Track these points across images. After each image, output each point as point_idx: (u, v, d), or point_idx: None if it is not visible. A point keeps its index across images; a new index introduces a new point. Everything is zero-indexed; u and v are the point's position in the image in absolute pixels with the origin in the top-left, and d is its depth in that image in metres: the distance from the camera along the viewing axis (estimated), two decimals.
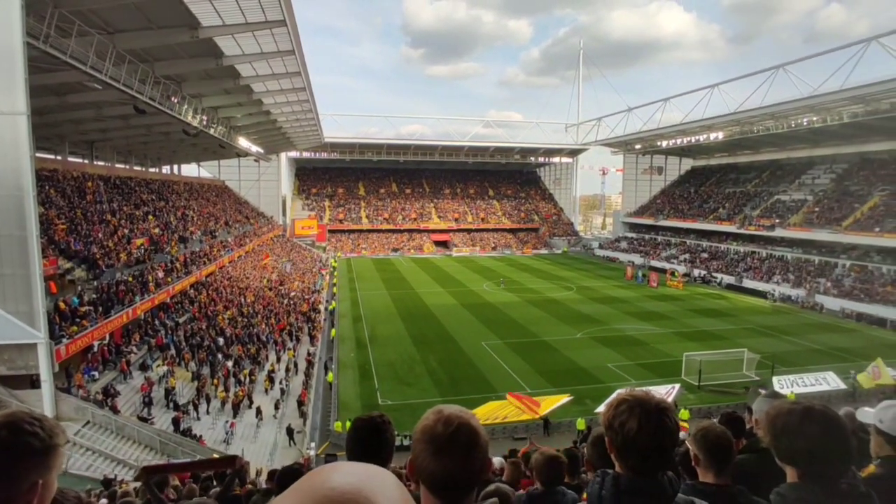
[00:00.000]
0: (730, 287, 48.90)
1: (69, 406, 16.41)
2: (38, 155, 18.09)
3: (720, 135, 58.13)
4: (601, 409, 19.95)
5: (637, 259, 64.03)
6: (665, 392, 22.07)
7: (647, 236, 70.43)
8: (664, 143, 67.65)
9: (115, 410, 17.65)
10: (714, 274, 52.48)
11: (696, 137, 61.34)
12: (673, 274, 51.58)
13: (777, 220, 51.69)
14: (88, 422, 16.59)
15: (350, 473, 0.59)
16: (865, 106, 41.28)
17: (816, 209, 49.64)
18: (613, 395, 1.50)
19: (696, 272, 54.53)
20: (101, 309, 20.23)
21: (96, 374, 19.13)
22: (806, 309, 40.37)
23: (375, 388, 24.05)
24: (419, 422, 1.27)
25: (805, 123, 47.80)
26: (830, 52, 45.09)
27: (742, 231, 54.78)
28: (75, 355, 17.72)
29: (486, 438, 1.24)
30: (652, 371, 25.76)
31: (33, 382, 15.44)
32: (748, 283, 47.86)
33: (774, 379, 23.32)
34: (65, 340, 16.61)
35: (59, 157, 32.97)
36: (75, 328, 17.78)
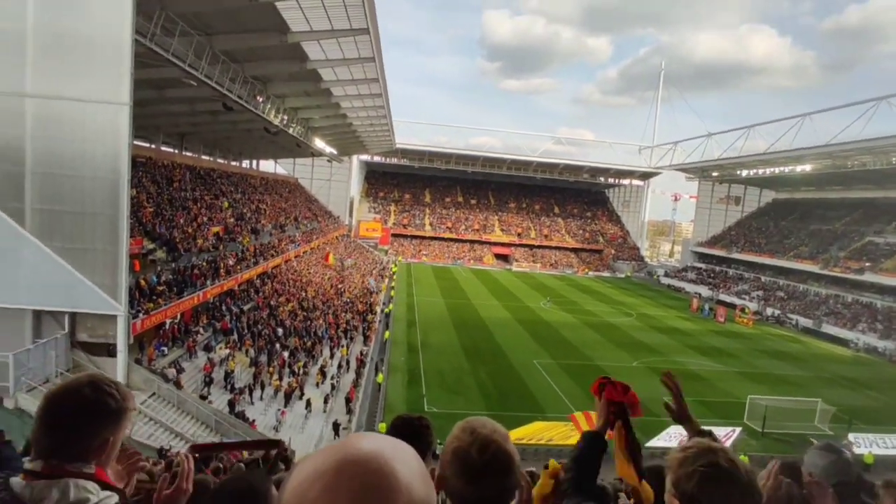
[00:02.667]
0: (806, 331, 45.53)
1: (139, 377, 17.55)
2: (135, 143, 19.59)
3: (808, 167, 54.60)
4: (654, 443, 19.09)
5: (704, 291, 60.96)
6: (724, 435, 20.81)
7: (717, 268, 66.99)
8: (744, 173, 64.34)
9: (178, 386, 18.71)
10: (790, 315, 49.06)
11: (781, 168, 57.87)
12: (743, 310, 48.68)
13: (868, 264, 47.72)
14: (154, 393, 17.68)
15: (375, 439, 0.67)
16: None
17: None
18: (688, 451, 1.33)
19: (768, 311, 51.22)
20: (175, 289, 21.56)
21: (165, 349, 20.39)
22: (894, 362, 36.97)
23: (422, 394, 24.17)
24: (450, 438, 1.24)
25: None
26: None
27: (825, 272, 50.96)
28: (149, 330, 18.96)
29: (518, 458, 1.22)
30: (711, 410, 24.38)
31: (110, 351, 16.63)
32: (828, 329, 44.37)
33: (851, 436, 21.44)
34: (141, 315, 17.81)
35: (153, 146, 35.54)
36: (151, 305, 19.03)
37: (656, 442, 19.12)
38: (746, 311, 48.62)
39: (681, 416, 1.94)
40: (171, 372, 19.37)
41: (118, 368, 16.56)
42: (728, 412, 24.02)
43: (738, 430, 21.76)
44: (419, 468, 0.66)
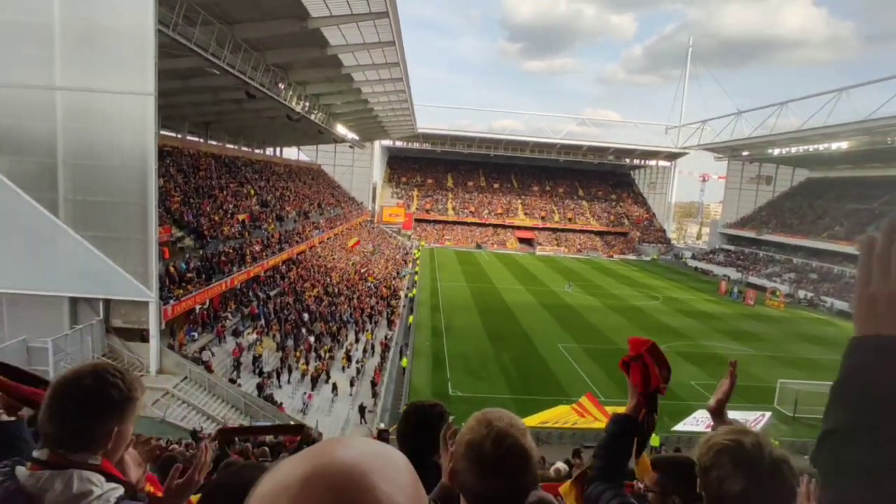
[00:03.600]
0: (841, 314, 44.21)
1: (171, 361, 18.06)
2: (161, 132, 19.97)
3: (844, 144, 52.59)
4: (681, 427, 18.90)
5: (733, 273, 59.66)
6: (754, 420, 20.49)
7: (746, 250, 65.39)
8: (776, 151, 62.32)
9: (209, 370, 19.21)
10: (823, 297, 47.74)
11: (816, 146, 55.88)
12: (774, 293, 47.52)
13: None
14: (186, 377, 18.18)
15: (355, 447, 0.55)
16: None
17: None
18: (717, 437, 1.27)
19: (801, 293, 49.90)
20: (203, 276, 22.03)
21: (196, 335, 20.91)
22: None
23: (447, 378, 24.33)
24: (464, 429, 1.20)
25: None
26: None
27: None
28: (179, 316, 19.45)
29: (537, 455, 1.15)
30: (739, 395, 23.96)
31: (143, 337, 17.16)
32: None
33: None
34: (171, 301, 18.26)
35: (179, 136, 36.15)
36: (181, 291, 19.49)
37: (682, 426, 18.95)
38: (777, 293, 47.45)
39: (719, 410, 1.86)
40: (207, 354, 19.94)
41: (151, 353, 17.10)
42: (758, 397, 23.60)
43: (769, 414, 21.38)
44: (407, 483, 0.55)
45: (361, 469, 0.52)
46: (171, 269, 20.42)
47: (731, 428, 1.32)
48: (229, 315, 24.19)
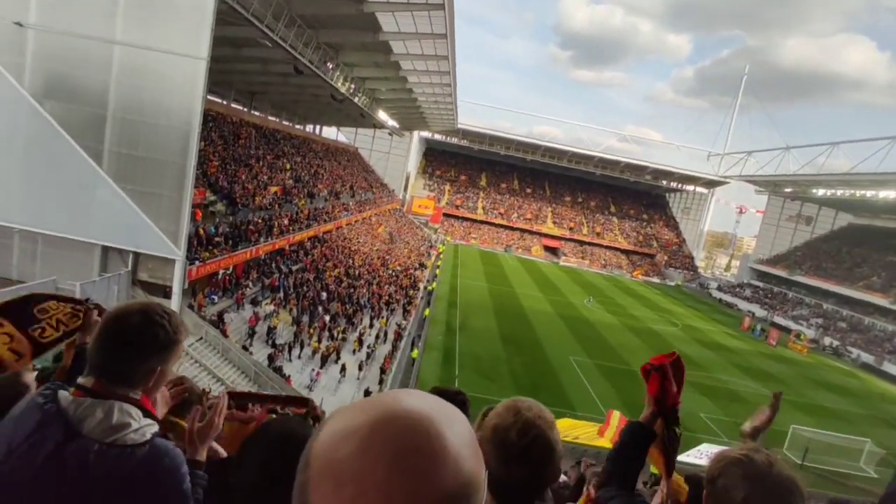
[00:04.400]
0: (865, 367, 42.83)
1: (189, 320, 18.45)
2: (208, 97, 20.34)
3: (893, 194, 50.76)
4: (683, 458, 18.55)
5: (758, 310, 58.21)
6: None
7: (776, 289, 63.71)
8: (821, 192, 60.42)
9: (224, 334, 19.60)
10: (849, 348, 46.25)
11: (863, 192, 54.05)
12: (798, 336, 46.24)
13: None
14: (202, 338, 18.59)
15: (423, 399, 0.55)
16: None
17: None
18: (729, 450, 1.29)
19: (827, 340, 48.43)
20: (230, 242, 22.44)
21: (216, 298, 21.34)
22: None
23: (455, 375, 24.35)
24: (492, 413, 1.20)
25: None
26: None
27: None
28: (202, 278, 19.87)
29: (562, 448, 1.15)
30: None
31: (166, 293, 17.57)
32: (890, 368, 41.58)
33: None
34: (197, 263, 18.66)
35: (224, 102, 36.77)
36: (207, 254, 19.89)
37: (685, 457, 18.59)
38: (802, 337, 46.16)
39: (754, 436, 1.84)
40: (231, 317, 20.39)
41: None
42: (768, 439, 22.88)
43: None
44: (471, 438, 0.56)
45: (431, 417, 0.52)
46: (201, 231, 20.84)
47: (747, 445, 1.32)
48: (250, 284, 24.61)
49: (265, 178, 32.13)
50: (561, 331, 35.27)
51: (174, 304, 17.52)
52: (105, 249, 16.88)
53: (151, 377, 1.43)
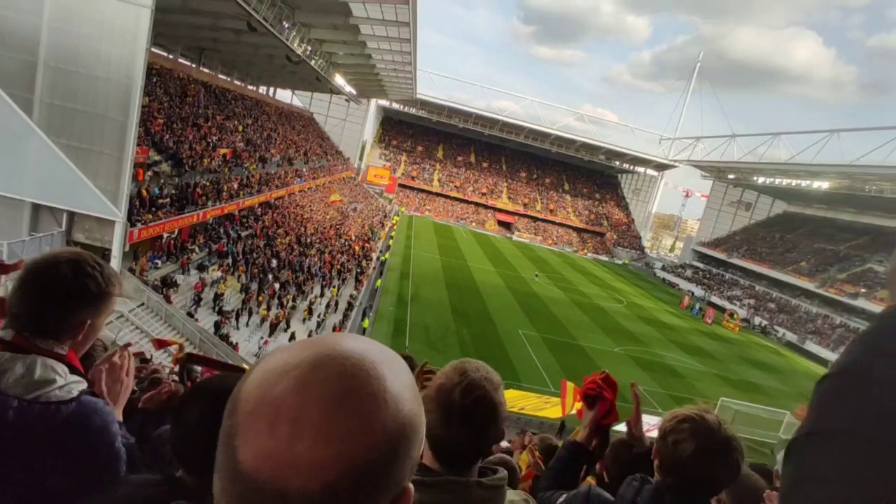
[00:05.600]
0: (790, 345, 46.01)
1: (130, 285, 17.71)
2: (152, 50, 19.14)
3: (825, 185, 53.90)
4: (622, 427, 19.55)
5: (697, 290, 61.22)
6: None
7: (714, 270, 67.07)
8: (760, 180, 63.53)
9: (168, 300, 18.94)
10: (776, 327, 49.49)
11: (799, 182, 57.17)
12: (732, 315, 49.09)
13: (863, 290, 47.81)
14: (143, 304, 17.91)
15: (364, 341, 0.54)
16: None
17: None
18: (681, 410, 1.39)
19: (757, 320, 51.62)
20: (176, 205, 21.52)
21: (159, 262, 20.54)
22: None
23: (405, 346, 24.54)
24: (439, 373, 1.21)
25: None
26: None
27: (820, 291, 51.07)
28: (145, 241, 19.04)
29: (506, 412, 1.16)
30: (681, 405, 24.66)
31: (105, 256, 16.74)
32: (811, 347, 44.82)
33: None
34: (139, 225, 17.85)
35: (171, 57, 34.72)
36: (150, 216, 19.04)
37: (622, 427, 19.57)
38: (735, 316, 49.04)
39: (639, 436, 1.90)
40: (182, 278, 19.73)
41: None
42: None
43: None
44: (410, 382, 0.55)
45: (372, 359, 0.51)
46: (144, 192, 19.88)
47: (698, 405, 1.41)
48: (196, 249, 23.79)
49: (214, 139, 30.80)
50: (511, 304, 36.01)
51: (113, 266, 16.72)
52: (36, 207, 15.88)
53: (80, 331, 1.33)
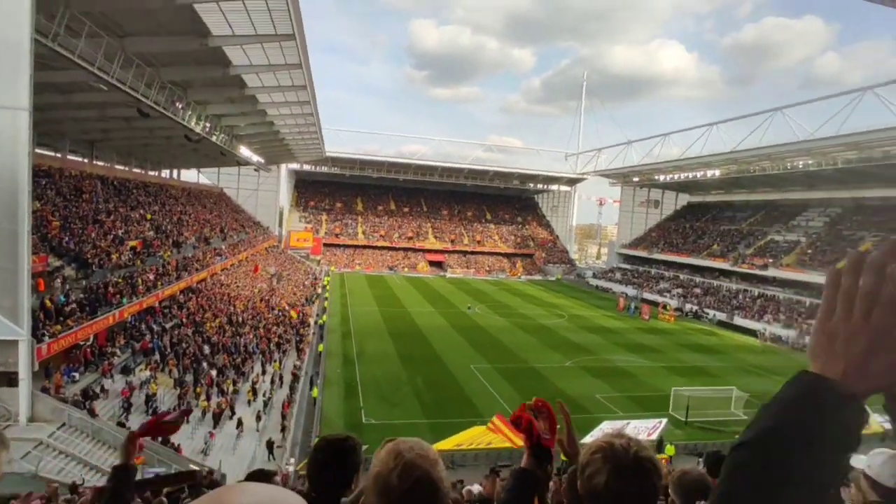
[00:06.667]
0: (721, 324, 48.87)
1: (45, 406, 16.06)
2: (37, 151, 18.07)
3: (717, 172, 58.81)
4: (588, 439, 19.70)
5: (630, 290, 64.04)
6: (652, 426, 21.87)
7: (640, 268, 70.60)
8: (662, 178, 68.30)
9: (92, 413, 17.30)
10: (706, 310, 52.49)
11: (694, 174, 62.02)
12: (665, 307, 51.62)
13: (770, 260, 51.99)
14: (64, 423, 16.22)
15: (253, 494, 0.52)
16: (860, 153, 41.96)
17: (809, 251, 50.04)
18: (596, 440, 1.39)
19: (688, 307, 54.55)
20: (87, 309, 19.99)
21: (77, 375, 18.82)
22: (796, 350, 40.32)
23: (360, 406, 23.71)
24: (374, 461, 1.17)
25: (800, 166, 48.61)
26: (827, 99, 46.55)
27: (735, 269, 55.03)
28: (57, 355, 17.45)
29: (448, 488, 1.13)
30: (639, 404, 25.57)
31: (11, 380, 15.12)
32: (739, 321, 47.83)
33: None
34: (47, 339, 16.36)
35: (58, 155, 32.93)
36: (59, 327, 17.54)
37: (589, 438, 19.71)
38: (668, 307, 51.61)
39: (573, 451, 1.91)
40: (109, 383, 17.97)
41: (20, 399, 15.08)
42: (655, 405, 25.26)
43: (665, 421, 22.92)
44: None
45: None
46: (48, 302, 18.35)
47: (609, 433, 1.42)
48: (118, 351, 22.06)
49: (120, 232, 29.17)
50: (457, 342, 35.91)
51: (23, 391, 15.15)
52: None
53: None
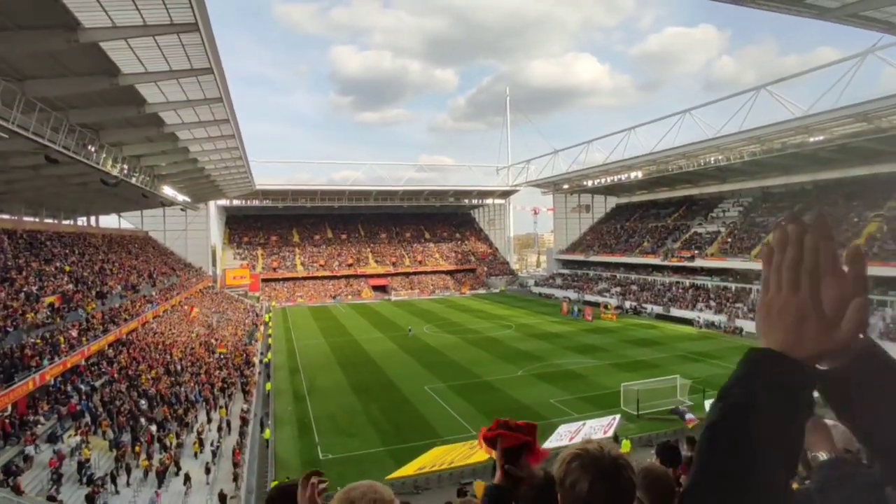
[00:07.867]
0: (659, 317, 51.19)
1: None
2: None
3: (639, 174, 62.02)
4: (547, 445, 19.90)
5: (572, 294, 65.97)
6: (606, 424, 22.43)
7: (579, 272, 72.90)
8: (590, 183, 71.19)
9: (17, 491, 15.72)
10: (644, 305, 54.85)
11: (619, 177, 65.07)
12: (606, 307, 53.49)
13: (696, 252, 55.13)
14: None
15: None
16: (761, 145, 45.54)
17: (729, 240, 53.47)
18: (567, 450, 1.41)
19: (627, 304, 56.79)
20: (2, 377, 18.30)
21: None
22: (728, 333, 42.77)
23: (315, 443, 22.91)
24: None
25: (712, 161, 52.02)
26: (728, 99, 50.56)
27: (666, 263, 57.95)
28: None
29: None
30: (592, 404, 26.18)
31: None
32: (675, 312, 50.29)
33: (707, 403, 24.27)
34: None
35: None
36: None
37: (548, 444, 19.98)
38: (609, 307, 53.51)
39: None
40: (33, 452, 16.27)
41: None
42: (607, 403, 25.98)
43: (618, 417, 23.58)
44: None
45: None
46: None
47: (582, 442, 1.44)
48: (41, 418, 20.25)
49: (35, 289, 27.03)
50: (409, 364, 35.57)
51: None
52: None
53: None
